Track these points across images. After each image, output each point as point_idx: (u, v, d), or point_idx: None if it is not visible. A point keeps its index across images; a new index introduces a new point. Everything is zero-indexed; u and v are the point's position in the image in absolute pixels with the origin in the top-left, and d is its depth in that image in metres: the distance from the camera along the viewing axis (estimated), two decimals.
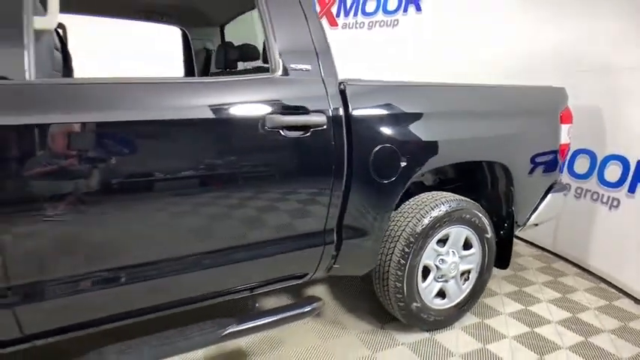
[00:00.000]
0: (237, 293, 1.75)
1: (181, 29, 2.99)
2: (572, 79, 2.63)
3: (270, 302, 2.38)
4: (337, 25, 4.83)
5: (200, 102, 1.44)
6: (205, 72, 2.99)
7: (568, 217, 3.04)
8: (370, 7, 4.61)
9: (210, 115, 1.44)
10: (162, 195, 1.40)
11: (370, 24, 4.61)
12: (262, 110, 1.53)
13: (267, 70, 1.66)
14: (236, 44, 2.48)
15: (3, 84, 1.14)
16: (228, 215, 1.54)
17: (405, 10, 4.34)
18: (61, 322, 1.35)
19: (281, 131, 1.54)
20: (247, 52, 2.34)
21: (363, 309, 2.37)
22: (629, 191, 2.69)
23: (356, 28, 4.73)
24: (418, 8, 4.25)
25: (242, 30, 2.70)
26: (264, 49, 1.70)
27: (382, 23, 4.53)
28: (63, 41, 2.15)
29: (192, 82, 1.64)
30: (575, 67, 2.92)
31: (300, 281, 1.88)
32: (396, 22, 4.44)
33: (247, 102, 1.53)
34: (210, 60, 2.88)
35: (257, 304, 2.32)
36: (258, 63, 2.32)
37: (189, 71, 3.07)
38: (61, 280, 1.29)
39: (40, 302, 1.27)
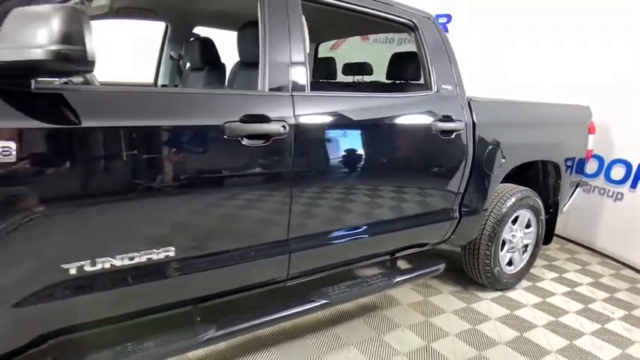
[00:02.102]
0: (386, 255, 2.30)
1: None
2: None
3: (367, 272, 2.94)
4: (369, 38, 5.41)
5: (390, 112, 2.00)
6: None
7: (577, 207, 3.81)
8: None
9: (397, 121, 2.01)
10: (361, 182, 1.93)
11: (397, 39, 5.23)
12: (429, 118, 2.11)
13: (422, 88, 2.25)
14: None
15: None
16: (395, 196, 2.09)
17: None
18: (314, 265, 1.87)
19: (439, 134, 2.14)
20: (365, 68, 2.92)
21: (446, 277, 2.97)
22: (631, 187, 3.50)
23: (386, 42, 5.35)
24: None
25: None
26: (423, 71, 2.25)
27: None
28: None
29: (385, 97, 2.11)
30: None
31: (423, 248, 2.47)
32: None
33: (421, 112, 2.10)
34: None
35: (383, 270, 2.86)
36: (372, 77, 2.91)
37: None
38: (317, 236, 1.81)
39: (304, 251, 1.78)
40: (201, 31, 3.00)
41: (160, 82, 2.88)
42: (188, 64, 2.84)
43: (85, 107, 1.24)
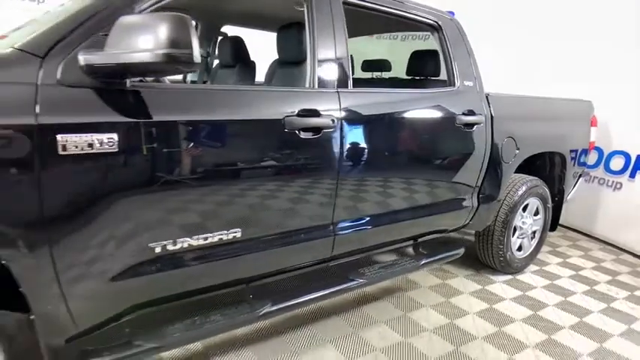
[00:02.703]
0: (410, 240, 2.48)
1: None
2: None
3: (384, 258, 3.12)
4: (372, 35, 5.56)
5: (420, 106, 2.17)
6: None
7: (577, 196, 4.03)
8: None
9: (427, 115, 2.18)
10: (395, 171, 2.10)
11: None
12: (454, 110, 2.28)
13: (444, 84, 2.42)
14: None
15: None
16: (424, 184, 2.27)
17: None
18: (354, 247, 2.04)
19: (462, 127, 2.31)
20: (385, 64, 3.08)
21: (459, 262, 3.16)
22: (630, 177, 3.73)
23: (389, 39, 5.50)
24: None
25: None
26: (447, 68, 2.43)
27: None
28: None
29: (416, 92, 2.28)
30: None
31: (443, 234, 2.65)
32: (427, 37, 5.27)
33: (447, 107, 2.27)
34: None
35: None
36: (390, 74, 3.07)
37: None
38: (357, 220, 1.98)
39: (346, 234, 1.95)
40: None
41: (188, 79, 3.01)
42: (216, 62, 2.97)
43: (172, 102, 1.39)
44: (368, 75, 3.34)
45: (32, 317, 1.24)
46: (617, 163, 3.85)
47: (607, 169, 3.93)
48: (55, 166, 1.18)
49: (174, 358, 1.92)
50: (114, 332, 1.48)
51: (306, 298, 1.89)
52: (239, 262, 1.65)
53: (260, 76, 2.64)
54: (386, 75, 3.20)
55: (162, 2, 1.43)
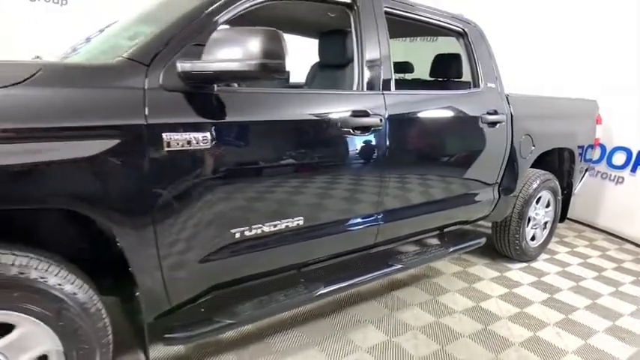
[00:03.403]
0: (437, 230, 2.68)
1: None
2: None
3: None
4: None
5: (451, 106, 2.37)
6: None
7: (582, 190, 4.26)
8: None
9: (457, 114, 2.38)
10: (431, 166, 2.30)
11: None
12: (480, 110, 2.48)
13: (468, 86, 2.62)
14: None
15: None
16: (454, 178, 2.46)
17: None
18: (394, 234, 2.23)
19: (487, 125, 2.51)
20: (408, 66, 3.28)
21: (475, 252, 3.36)
22: (631, 171, 3.96)
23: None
24: None
25: None
26: (472, 71, 2.62)
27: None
28: None
29: (447, 94, 2.47)
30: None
31: (467, 224, 2.85)
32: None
33: (475, 107, 2.47)
34: None
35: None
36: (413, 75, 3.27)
37: None
38: (398, 210, 2.17)
39: (388, 223, 2.14)
40: None
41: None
42: None
43: (249, 104, 1.56)
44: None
45: (137, 294, 1.42)
46: (619, 158, 4.09)
47: (609, 164, 4.16)
48: (162, 161, 1.35)
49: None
50: (191, 312, 1.66)
51: (352, 282, 2.08)
52: (300, 247, 1.83)
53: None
54: (408, 76, 3.39)
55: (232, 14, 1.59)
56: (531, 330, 2.34)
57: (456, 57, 2.75)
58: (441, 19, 2.44)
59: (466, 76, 2.74)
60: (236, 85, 1.69)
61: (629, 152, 4.00)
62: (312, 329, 2.18)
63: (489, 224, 3.29)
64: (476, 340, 2.21)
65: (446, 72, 2.83)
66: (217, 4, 1.55)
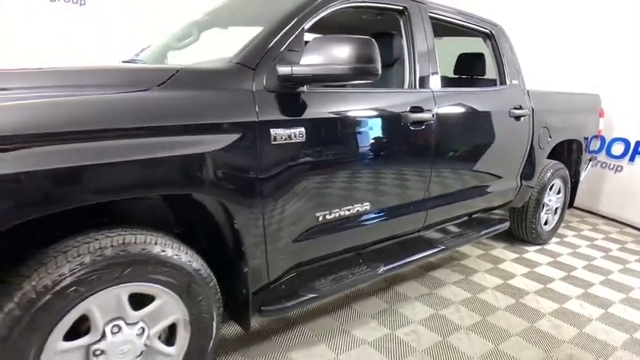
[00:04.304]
0: (467, 216, 2.93)
1: None
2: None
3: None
4: None
5: (486, 102, 2.61)
6: None
7: (583, 179, 4.58)
8: None
9: (491, 109, 2.62)
10: (470, 156, 2.54)
11: None
12: (508, 105, 2.73)
13: (493, 83, 2.87)
14: None
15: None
16: (486, 167, 2.71)
17: None
18: (438, 219, 2.46)
19: (514, 119, 2.76)
20: None
21: (494, 237, 3.62)
22: (630, 160, 4.29)
23: None
24: None
25: None
26: (498, 69, 2.87)
27: None
28: None
29: (482, 90, 2.75)
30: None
31: (494, 210, 3.11)
32: None
33: (504, 102, 2.72)
34: None
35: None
36: None
37: None
38: (442, 197, 2.41)
39: (434, 208, 2.37)
40: None
41: None
42: None
43: (332, 102, 1.77)
44: None
45: (246, 270, 1.62)
46: (617, 148, 4.41)
47: (609, 153, 4.49)
48: (270, 152, 1.55)
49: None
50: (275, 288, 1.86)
51: (407, 260, 2.31)
52: (366, 230, 2.05)
53: None
54: None
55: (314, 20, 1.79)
56: (557, 302, 2.61)
57: (480, 56, 2.99)
58: (472, 22, 2.68)
59: (488, 73, 3.00)
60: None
61: (627, 143, 4.33)
62: (351, 313, 2.41)
63: (499, 211, 3.54)
64: (511, 311, 2.47)
65: (470, 70, 3.07)
66: (304, 12, 1.75)
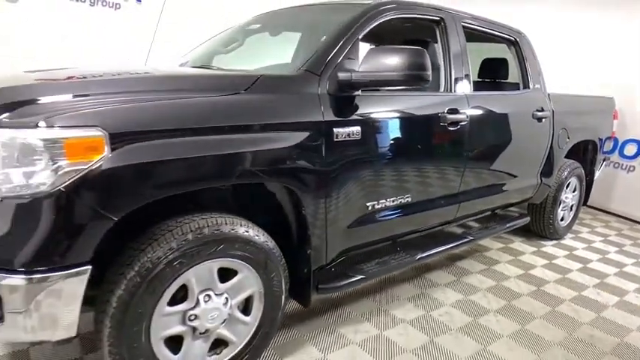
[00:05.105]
0: (490, 210, 3.14)
1: None
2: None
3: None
4: None
5: (512, 105, 2.82)
6: None
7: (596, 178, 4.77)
8: None
9: (518, 111, 2.83)
10: (497, 155, 2.75)
11: None
12: (531, 107, 2.94)
13: (517, 87, 3.08)
14: None
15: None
16: (511, 165, 2.92)
17: None
18: (468, 212, 2.68)
19: (537, 120, 2.97)
20: None
21: (511, 232, 3.82)
22: None
23: None
24: None
25: None
26: (522, 74, 3.08)
27: None
28: None
29: (508, 94, 2.99)
30: None
31: (515, 205, 3.32)
32: None
33: (528, 104, 2.93)
34: None
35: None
36: None
37: None
38: (472, 191, 2.62)
39: (465, 202, 2.59)
40: None
41: None
42: None
43: (382, 104, 1.99)
44: None
45: (309, 252, 1.84)
46: (630, 149, 4.60)
47: (621, 154, 4.68)
48: (333, 148, 1.77)
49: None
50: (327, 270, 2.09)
51: (441, 249, 2.53)
52: (406, 220, 2.27)
53: None
54: None
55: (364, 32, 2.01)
56: (575, 290, 2.82)
57: (503, 61, 3.20)
58: (499, 30, 2.89)
59: (511, 77, 3.21)
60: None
61: (639, 144, 4.52)
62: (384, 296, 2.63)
63: (516, 208, 3.74)
64: (534, 297, 2.68)
65: (494, 74, 3.28)
66: (359, 23, 1.97)
